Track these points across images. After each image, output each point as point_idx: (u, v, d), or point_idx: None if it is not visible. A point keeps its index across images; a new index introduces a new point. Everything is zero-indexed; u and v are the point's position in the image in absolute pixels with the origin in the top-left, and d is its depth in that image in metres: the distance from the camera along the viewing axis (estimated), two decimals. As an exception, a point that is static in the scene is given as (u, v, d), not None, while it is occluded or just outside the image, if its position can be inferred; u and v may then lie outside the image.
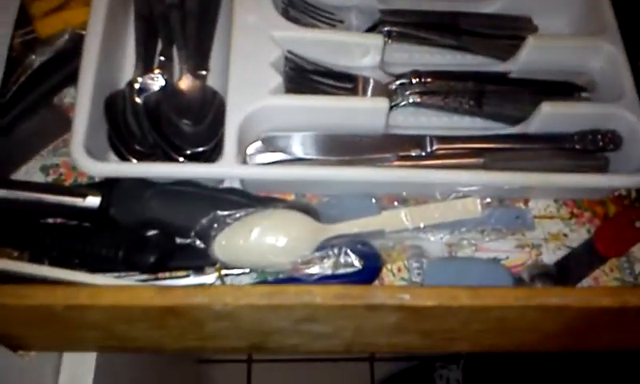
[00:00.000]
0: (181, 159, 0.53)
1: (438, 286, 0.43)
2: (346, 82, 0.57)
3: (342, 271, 0.50)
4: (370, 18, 0.61)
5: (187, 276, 0.52)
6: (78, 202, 0.51)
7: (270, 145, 0.54)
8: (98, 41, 0.53)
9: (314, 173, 0.53)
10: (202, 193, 0.53)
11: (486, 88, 0.58)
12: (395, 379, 1.27)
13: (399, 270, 0.54)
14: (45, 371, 0.53)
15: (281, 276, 0.51)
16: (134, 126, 0.55)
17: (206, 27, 0.59)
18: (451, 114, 0.59)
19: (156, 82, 0.56)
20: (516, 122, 0.57)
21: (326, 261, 0.50)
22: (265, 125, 0.54)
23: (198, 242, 0.50)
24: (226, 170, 0.52)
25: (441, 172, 0.53)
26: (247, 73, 0.54)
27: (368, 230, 0.51)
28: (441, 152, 0.55)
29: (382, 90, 0.57)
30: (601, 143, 0.55)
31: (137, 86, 0.55)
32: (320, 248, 0.50)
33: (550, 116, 0.55)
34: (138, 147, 0.54)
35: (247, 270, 0.52)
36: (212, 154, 0.53)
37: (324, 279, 0.49)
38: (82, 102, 0.51)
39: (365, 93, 0.57)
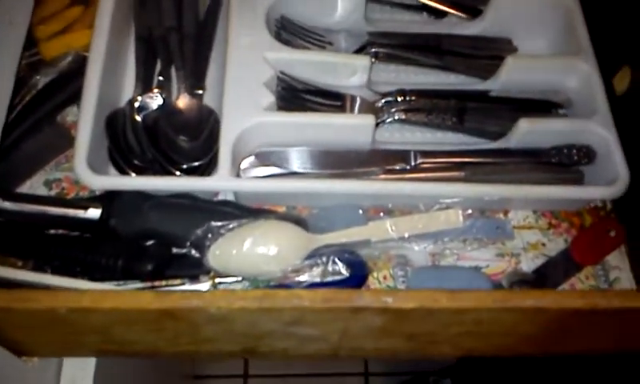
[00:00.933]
0: (178, 173, 0.55)
1: (420, 289, 0.45)
2: (334, 100, 0.60)
3: (329, 279, 0.52)
4: (359, 40, 0.64)
5: (183, 284, 0.53)
6: (79, 213, 0.53)
7: (262, 159, 0.56)
8: (100, 62, 0.56)
9: (304, 186, 0.55)
10: (198, 205, 0.55)
11: (467, 105, 0.61)
12: (389, 393, 1.28)
13: (385, 277, 0.56)
14: (46, 376, 0.55)
15: (272, 284, 0.53)
16: (133, 142, 0.57)
17: (202, 49, 0.62)
18: (435, 130, 0.62)
19: (155, 100, 0.59)
20: (496, 137, 0.60)
21: (314, 269, 0.52)
22: (258, 141, 0.56)
23: (193, 252, 0.52)
24: (220, 184, 0.54)
25: (424, 185, 0.56)
26: (241, 92, 0.57)
27: (355, 240, 0.54)
28: (425, 166, 0.58)
29: (368, 108, 0.60)
30: (576, 157, 0.58)
31: (136, 104, 0.58)
32: (309, 257, 0.52)
33: (527, 132, 0.58)
34: (137, 162, 0.56)
35: (240, 279, 0.54)
36: (207, 168, 0.56)
37: (313, 286, 0.51)
38: (85, 119, 0.54)
39: (352, 110, 0.60)
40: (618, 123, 0.58)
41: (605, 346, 0.54)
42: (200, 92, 0.60)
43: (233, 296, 0.44)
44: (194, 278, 0.54)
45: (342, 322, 0.47)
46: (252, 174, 0.56)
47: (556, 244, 0.59)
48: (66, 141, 0.60)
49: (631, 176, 0.55)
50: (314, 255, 0.53)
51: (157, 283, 0.53)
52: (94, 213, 0.53)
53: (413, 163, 0.57)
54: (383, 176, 0.57)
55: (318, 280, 0.52)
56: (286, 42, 0.62)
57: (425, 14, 0.69)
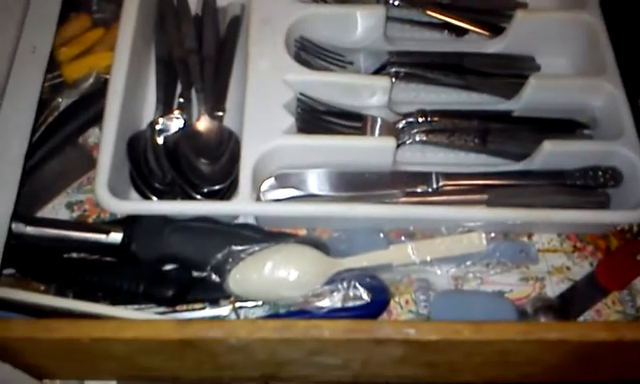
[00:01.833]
0: (198, 197, 0.56)
1: (442, 320, 0.45)
2: (355, 122, 0.59)
3: (350, 304, 0.52)
4: (379, 59, 0.64)
5: (203, 308, 0.54)
6: (101, 238, 0.54)
7: (282, 181, 0.56)
8: (121, 84, 0.56)
9: (324, 209, 0.55)
10: (218, 229, 0.55)
11: (490, 126, 0.60)
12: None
13: (407, 302, 0.56)
14: (68, 399, 0.56)
15: (292, 308, 0.53)
16: (154, 165, 0.57)
17: (222, 71, 0.62)
18: (457, 151, 0.61)
19: (175, 122, 0.59)
20: (519, 158, 0.59)
21: (335, 294, 0.52)
22: (278, 163, 0.56)
23: (213, 276, 0.52)
24: (241, 208, 0.54)
25: (446, 209, 0.55)
26: (261, 114, 0.57)
27: (376, 264, 0.53)
28: (446, 188, 0.57)
29: (389, 129, 0.59)
30: (602, 179, 0.57)
31: (158, 126, 0.58)
32: (330, 281, 0.52)
33: (551, 153, 0.57)
34: (157, 185, 0.56)
35: (260, 303, 0.54)
36: (228, 192, 0.56)
37: (333, 312, 0.51)
38: (106, 142, 0.54)
39: (373, 131, 0.59)
40: (645, 145, 0.57)
41: (633, 374, 0.53)
42: (220, 114, 0.60)
43: (253, 326, 0.44)
44: (215, 302, 0.54)
45: (364, 352, 0.47)
46: (272, 196, 0.56)
47: (581, 268, 0.58)
48: (88, 162, 0.61)
49: (659, 199, 0.54)
50: (334, 280, 0.52)
51: (177, 308, 0.54)
52: (116, 237, 0.54)
53: (434, 185, 0.57)
54: (404, 198, 0.56)
55: (338, 305, 0.52)
56: (306, 62, 0.61)
57: (446, 32, 0.68)
